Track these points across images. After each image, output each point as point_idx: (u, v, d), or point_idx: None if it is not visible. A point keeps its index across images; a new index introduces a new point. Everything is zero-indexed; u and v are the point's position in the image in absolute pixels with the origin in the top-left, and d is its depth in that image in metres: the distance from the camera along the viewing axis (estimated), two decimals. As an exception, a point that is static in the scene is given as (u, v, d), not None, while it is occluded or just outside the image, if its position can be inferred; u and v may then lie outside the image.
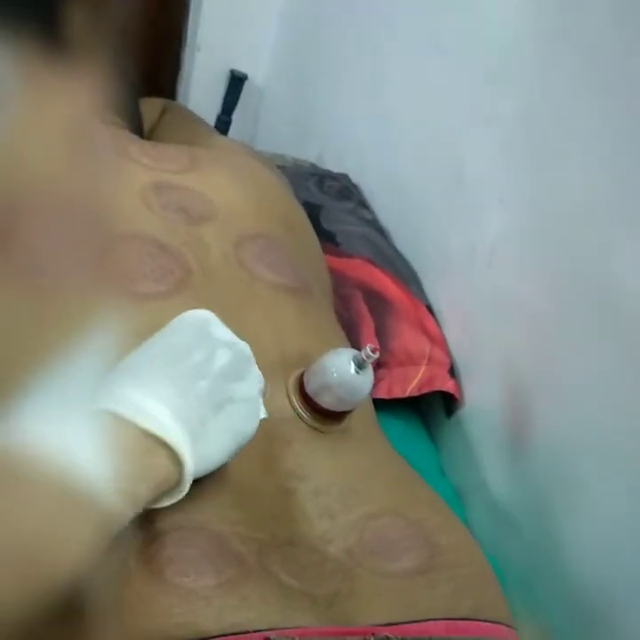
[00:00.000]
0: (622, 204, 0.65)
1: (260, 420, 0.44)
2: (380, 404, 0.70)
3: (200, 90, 1.50)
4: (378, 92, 1.15)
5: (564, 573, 0.67)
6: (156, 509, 0.40)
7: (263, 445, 0.48)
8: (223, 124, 1.51)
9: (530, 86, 0.78)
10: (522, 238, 0.79)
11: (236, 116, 1.52)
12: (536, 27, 0.77)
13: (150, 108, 0.90)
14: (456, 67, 0.93)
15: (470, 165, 0.89)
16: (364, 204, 1.01)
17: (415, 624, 0.44)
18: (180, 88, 1.50)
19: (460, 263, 0.90)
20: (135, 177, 0.59)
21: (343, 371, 0.48)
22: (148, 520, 0.41)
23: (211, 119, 1.50)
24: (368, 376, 0.49)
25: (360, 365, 0.48)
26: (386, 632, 0.41)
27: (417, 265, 0.95)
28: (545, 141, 0.76)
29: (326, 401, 0.49)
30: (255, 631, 0.38)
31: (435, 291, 0.91)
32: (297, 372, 0.52)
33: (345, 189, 1.02)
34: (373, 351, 0.47)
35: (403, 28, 1.08)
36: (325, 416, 0.50)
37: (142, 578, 0.39)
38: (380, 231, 0.97)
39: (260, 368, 0.52)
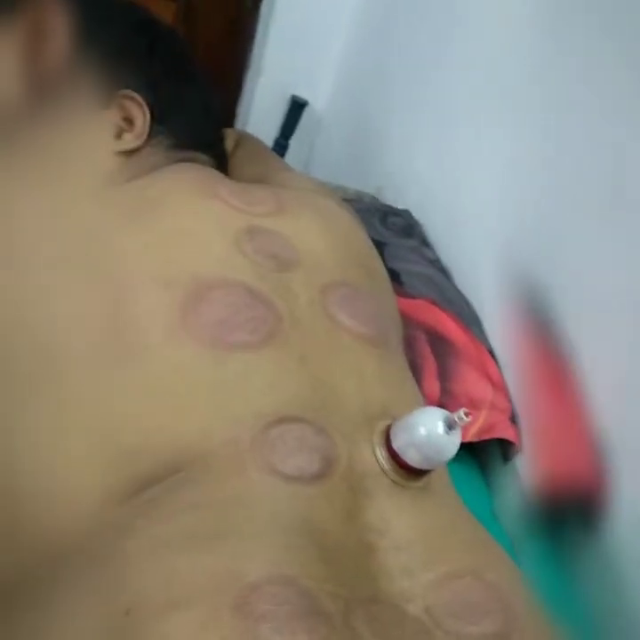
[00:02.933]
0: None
1: None
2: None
3: (260, 113, 1.52)
4: (441, 126, 1.16)
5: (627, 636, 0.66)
6: (248, 564, 0.41)
7: (347, 499, 0.49)
8: (280, 149, 1.53)
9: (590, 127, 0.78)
10: (583, 276, 0.79)
11: (293, 141, 1.54)
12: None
13: (225, 140, 0.91)
14: (520, 109, 0.94)
15: (532, 208, 0.89)
16: (426, 243, 1.01)
17: None
18: (240, 112, 1.53)
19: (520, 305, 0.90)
20: (228, 220, 0.59)
21: (432, 430, 0.49)
22: (239, 572, 0.41)
23: (268, 143, 1.52)
24: (456, 437, 0.49)
25: (450, 426, 0.49)
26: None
27: (478, 306, 0.96)
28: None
29: (412, 458, 0.50)
30: None
31: (496, 335, 0.91)
32: (382, 426, 0.52)
33: (408, 227, 1.02)
34: (466, 415, 0.48)
35: (470, 60, 1.09)
36: (409, 472, 0.51)
37: (238, 633, 0.39)
38: (443, 271, 0.97)
39: (344, 419, 0.53)
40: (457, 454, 0.85)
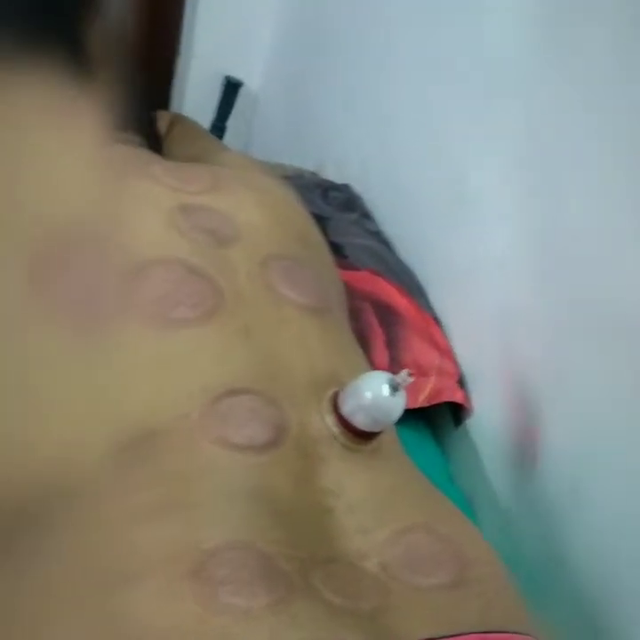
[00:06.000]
0: (623, 219, 0.68)
1: None
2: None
3: (195, 96, 1.50)
4: (378, 100, 1.16)
5: (571, 583, 0.69)
6: (204, 532, 0.42)
7: (299, 464, 0.50)
8: (218, 131, 1.51)
9: (531, 101, 0.80)
10: (526, 252, 0.81)
11: (230, 122, 1.53)
12: (537, 42, 0.79)
13: (159, 121, 0.90)
14: (457, 80, 0.95)
15: (473, 179, 0.91)
16: (367, 215, 1.02)
17: (454, 638, 0.45)
18: (175, 95, 1.51)
19: (466, 275, 0.92)
20: (162, 199, 0.59)
21: (378, 393, 0.50)
22: (196, 540, 0.42)
23: (205, 126, 1.50)
24: (402, 399, 0.51)
25: (395, 388, 0.50)
26: (428, 646, 0.43)
27: (422, 277, 0.97)
28: (547, 156, 0.78)
29: (361, 421, 0.51)
30: None
31: (440, 303, 0.93)
32: (330, 393, 0.53)
33: (348, 201, 1.03)
34: (409, 375, 0.49)
35: (403, 38, 1.09)
36: (358, 436, 0.52)
37: (195, 597, 0.40)
38: (385, 243, 0.98)
39: (293, 389, 0.53)
40: (410, 421, 0.87)
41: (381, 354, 0.83)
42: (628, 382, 0.65)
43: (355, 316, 0.84)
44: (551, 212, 0.77)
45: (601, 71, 0.69)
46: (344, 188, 1.07)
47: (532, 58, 0.79)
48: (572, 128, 0.73)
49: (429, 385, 0.83)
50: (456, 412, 0.88)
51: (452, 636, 0.46)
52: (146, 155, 0.67)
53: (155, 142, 0.76)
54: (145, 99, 0.75)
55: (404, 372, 0.49)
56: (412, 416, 0.87)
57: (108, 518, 0.43)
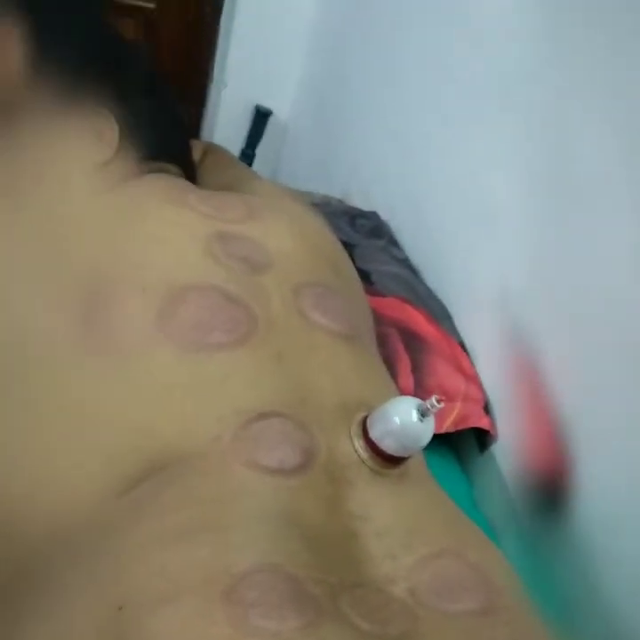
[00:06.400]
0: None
1: None
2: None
3: (225, 125, 1.54)
4: (403, 128, 1.19)
5: (598, 615, 0.68)
6: (235, 555, 0.42)
7: (327, 488, 0.51)
8: (247, 158, 1.55)
9: (556, 122, 0.81)
10: (551, 274, 0.82)
11: (259, 150, 1.56)
12: (559, 62, 0.80)
13: (193, 151, 0.93)
14: (481, 107, 0.97)
15: (499, 200, 0.92)
16: (394, 242, 1.04)
17: None
18: (206, 123, 1.55)
19: (490, 301, 0.93)
20: (198, 226, 0.61)
21: (406, 418, 0.51)
22: (227, 563, 0.43)
23: (235, 153, 1.54)
24: (430, 424, 0.51)
25: (423, 414, 0.51)
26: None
27: (447, 302, 0.98)
28: (573, 177, 0.78)
29: (389, 446, 0.51)
30: None
31: (466, 328, 0.94)
32: (359, 417, 0.54)
33: (376, 228, 1.05)
34: (438, 401, 0.50)
35: (428, 61, 1.12)
36: (387, 460, 0.52)
37: (227, 620, 0.40)
38: (412, 269, 1.00)
39: (322, 413, 0.54)
40: (435, 446, 0.87)
41: (406, 379, 0.84)
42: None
43: (381, 342, 0.85)
44: (575, 237, 0.78)
45: (623, 85, 0.70)
46: (371, 216, 1.09)
47: (554, 74, 0.80)
48: (597, 144, 0.74)
49: (455, 411, 0.84)
50: (481, 438, 0.88)
51: None
52: (181, 183, 0.69)
53: (190, 171, 0.78)
54: (180, 128, 0.77)
55: (433, 398, 0.50)
56: (437, 441, 0.88)
57: (139, 540, 0.44)
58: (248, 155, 1.55)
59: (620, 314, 0.70)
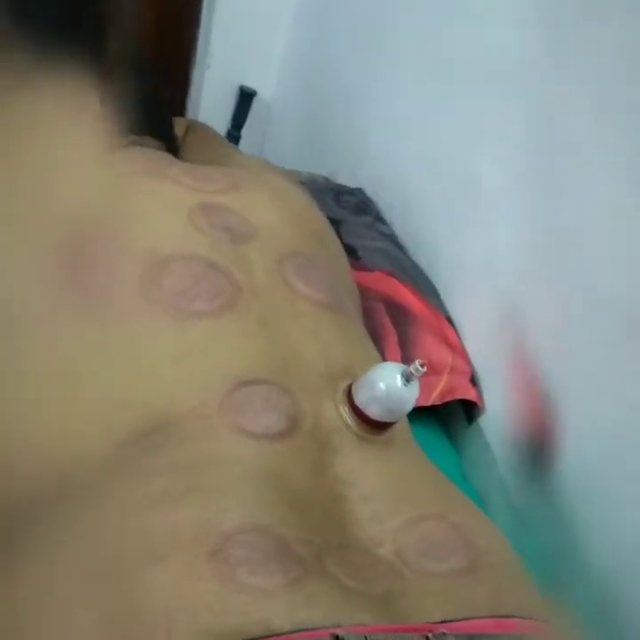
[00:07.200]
0: (633, 218, 0.69)
1: None
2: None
3: (210, 106, 1.53)
4: (390, 106, 1.18)
5: (585, 580, 0.69)
6: (222, 516, 0.43)
7: (313, 453, 0.51)
8: (232, 140, 1.54)
9: (541, 104, 0.81)
10: (536, 250, 0.82)
11: (244, 131, 1.55)
12: (545, 47, 0.80)
13: (175, 127, 0.92)
14: (466, 83, 0.97)
15: (485, 179, 0.92)
16: (381, 219, 1.04)
17: (465, 621, 0.46)
18: (191, 104, 1.54)
19: (477, 274, 0.93)
20: (180, 197, 0.61)
21: (391, 383, 0.51)
22: (214, 524, 0.43)
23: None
24: (415, 389, 0.52)
25: (408, 379, 0.51)
26: (442, 629, 0.44)
27: (434, 277, 0.98)
28: (557, 157, 0.79)
29: (374, 412, 0.52)
30: (324, 628, 0.41)
31: (453, 302, 0.94)
32: (344, 384, 0.54)
33: (362, 204, 1.05)
34: (422, 365, 0.50)
35: (411, 43, 1.11)
36: (372, 426, 0.53)
37: (214, 577, 0.41)
38: (398, 245, 1.00)
39: (308, 380, 0.55)
40: (423, 419, 0.88)
41: (394, 353, 0.84)
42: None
43: (368, 316, 0.85)
44: (561, 211, 0.78)
45: (608, 70, 0.71)
46: (357, 192, 1.09)
47: (539, 58, 0.81)
48: (580, 125, 0.74)
49: (442, 383, 0.84)
50: (468, 410, 0.89)
51: (464, 619, 0.47)
52: (164, 156, 0.69)
53: (172, 146, 0.78)
54: (163, 104, 0.77)
55: (417, 362, 0.50)
56: (425, 414, 0.88)
57: (128, 502, 0.44)
58: (234, 136, 1.54)
59: (603, 288, 0.71)
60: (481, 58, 0.93)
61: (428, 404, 0.83)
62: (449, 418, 0.91)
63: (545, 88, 0.80)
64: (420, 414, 0.89)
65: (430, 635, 0.43)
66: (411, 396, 0.52)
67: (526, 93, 0.84)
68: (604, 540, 0.69)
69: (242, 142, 1.55)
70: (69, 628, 0.37)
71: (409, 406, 0.53)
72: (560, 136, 0.78)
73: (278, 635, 0.40)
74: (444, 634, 0.43)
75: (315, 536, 0.47)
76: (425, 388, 0.84)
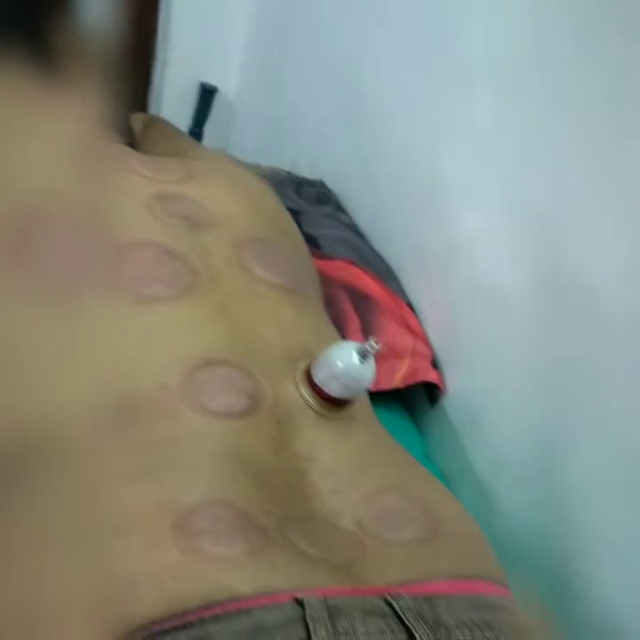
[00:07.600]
0: (587, 201, 0.71)
1: None
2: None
3: (171, 103, 1.53)
4: (349, 98, 1.20)
5: (548, 556, 0.72)
6: (185, 491, 0.44)
7: (274, 430, 0.53)
8: (195, 137, 1.54)
9: (500, 92, 0.83)
10: (496, 235, 0.85)
11: (207, 127, 1.56)
12: (504, 40, 0.83)
13: (134, 122, 0.93)
14: (429, 75, 0.98)
15: (445, 167, 0.94)
16: (341, 209, 1.05)
17: (422, 583, 0.48)
18: (152, 102, 1.54)
19: (437, 262, 0.95)
20: (138, 188, 0.62)
21: (348, 361, 0.53)
22: (178, 498, 0.44)
23: (182, 131, 1.54)
24: (371, 366, 0.54)
25: (363, 356, 0.53)
26: (399, 591, 0.46)
27: (395, 265, 1.00)
28: (515, 145, 0.81)
29: (333, 389, 0.53)
30: (286, 592, 0.42)
31: (413, 289, 0.96)
32: (304, 364, 0.56)
33: (322, 195, 1.06)
34: (376, 343, 0.52)
35: (374, 34, 1.13)
36: (332, 403, 0.54)
37: (177, 547, 0.42)
38: (359, 234, 1.01)
39: (267, 361, 0.56)
40: (387, 402, 0.90)
41: (357, 338, 0.86)
42: (600, 355, 0.69)
43: (330, 304, 0.87)
44: (520, 196, 0.81)
45: (566, 60, 0.73)
46: (317, 184, 1.10)
47: (501, 50, 0.83)
48: (538, 120, 0.76)
49: (405, 366, 0.86)
50: (431, 393, 0.91)
51: (423, 581, 0.49)
52: (121, 148, 0.70)
53: (128, 139, 0.79)
54: (120, 97, 0.77)
55: (371, 340, 0.52)
56: (389, 398, 0.90)
57: (93, 479, 0.45)
58: (196, 133, 1.54)
59: (564, 256, 0.74)
60: (445, 51, 0.94)
61: (392, 387, 0.85)
62: (412, 401, 0.93)
63: (506, 76, 0.82)
64: (384, 398, 0.91)
65: (388, 596, 0.45)
66: (367, 372, 0.54)
67: (488, 83, 0.86)
68: (567, 519, 0.72)
69: (205, 140, 1.55)
70: (36, 589, 0.38)
71: (366, 383, 0.55)
72: (522, 121, 0.80)
73: (241, 599, 0.41)
74: (400, 595, 0.45)
75: (277, 508, 0.48)
76: (388, 372, 0.86)
